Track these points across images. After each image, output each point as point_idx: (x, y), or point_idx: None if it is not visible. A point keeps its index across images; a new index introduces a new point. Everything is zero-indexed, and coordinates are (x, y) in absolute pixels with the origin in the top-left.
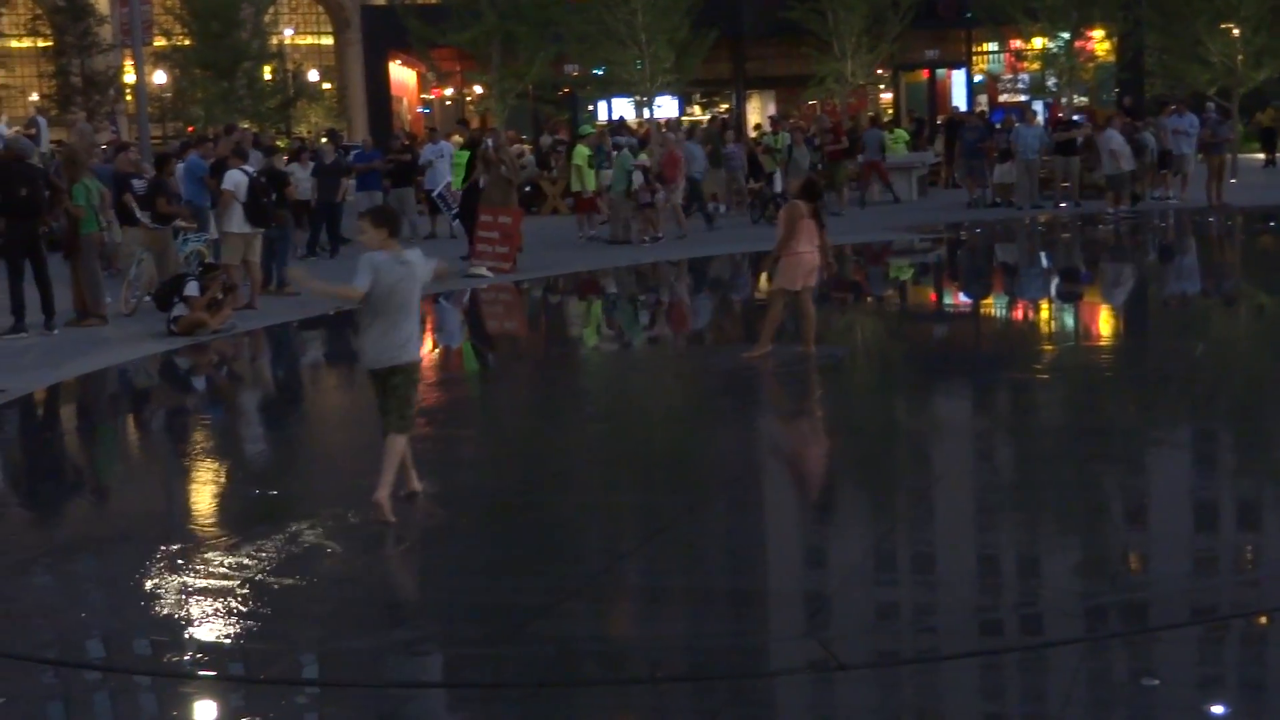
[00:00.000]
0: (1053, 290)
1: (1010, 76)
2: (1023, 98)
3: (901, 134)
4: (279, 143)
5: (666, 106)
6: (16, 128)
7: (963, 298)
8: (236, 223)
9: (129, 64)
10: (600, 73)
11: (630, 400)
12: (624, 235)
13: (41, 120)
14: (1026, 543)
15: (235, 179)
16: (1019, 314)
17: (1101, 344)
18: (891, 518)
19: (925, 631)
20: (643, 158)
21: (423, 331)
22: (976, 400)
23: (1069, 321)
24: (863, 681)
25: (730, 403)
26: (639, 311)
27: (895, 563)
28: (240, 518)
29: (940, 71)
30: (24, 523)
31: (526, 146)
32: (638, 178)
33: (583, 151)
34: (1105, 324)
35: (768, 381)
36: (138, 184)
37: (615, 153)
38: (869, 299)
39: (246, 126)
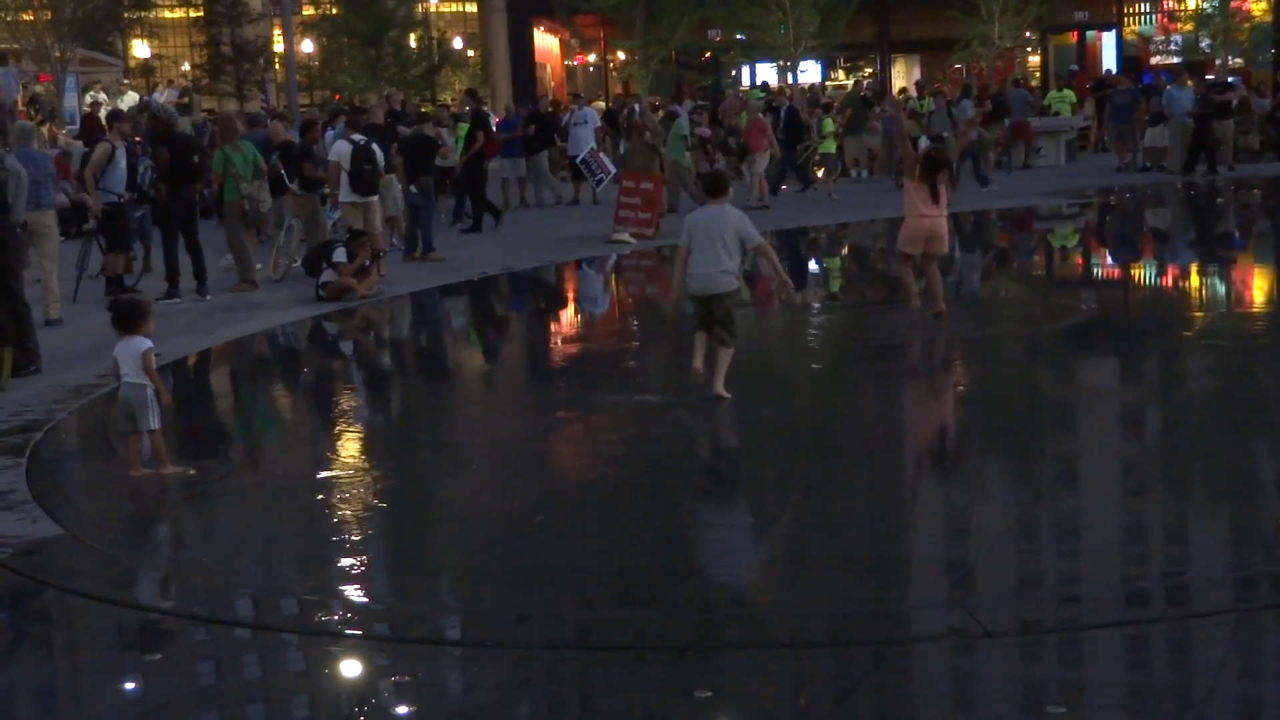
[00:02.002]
0: (1204, 255)
1: (1162, 38)
2: (1175, 59)
3: (1069, 94)
4: (424, 109)
5: (810, 71)
6: (170, 94)
7: (1110, 262)
8: (345, 192)
9: (278, 33)
10: (743, 38)
11: (769, 366)
12: (673, 202)
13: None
14: (1175, 512)
15: (339, 150)
16: (1168, 280)
17: (1254, 310)
18: (1037, 486)
19: (1071, 601)
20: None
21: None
22: (1123, 367)
23: (1220, 287)
24: (1008, 649)
25: (871, 367)
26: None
27: (1040, 531)
28: (387, 480)
29: (1090, 33)
30: (177, 483)
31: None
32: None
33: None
34: (1258, 290)
35: (910, 346)
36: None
37: (671, 121)
38: (1013, 264)
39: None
